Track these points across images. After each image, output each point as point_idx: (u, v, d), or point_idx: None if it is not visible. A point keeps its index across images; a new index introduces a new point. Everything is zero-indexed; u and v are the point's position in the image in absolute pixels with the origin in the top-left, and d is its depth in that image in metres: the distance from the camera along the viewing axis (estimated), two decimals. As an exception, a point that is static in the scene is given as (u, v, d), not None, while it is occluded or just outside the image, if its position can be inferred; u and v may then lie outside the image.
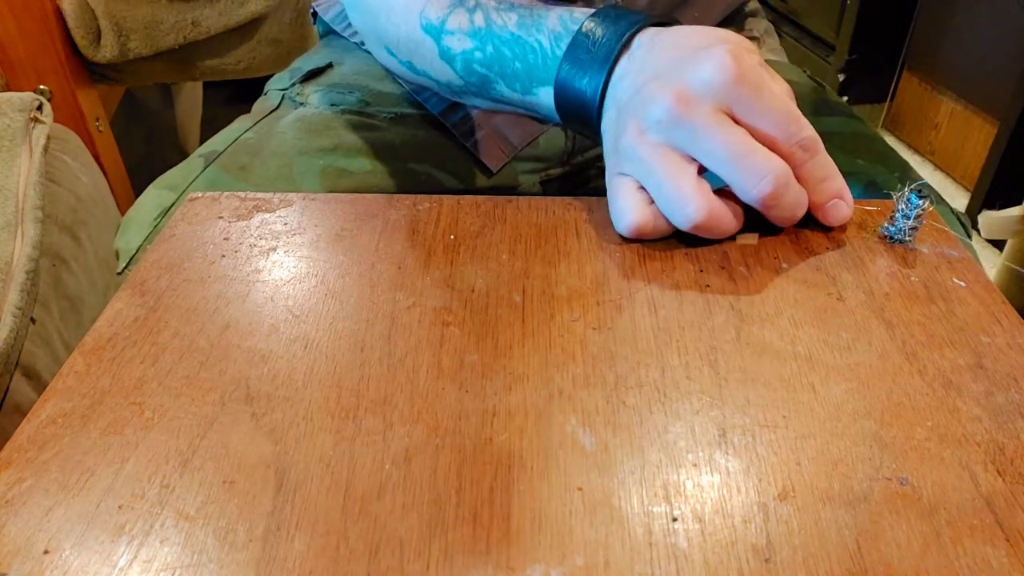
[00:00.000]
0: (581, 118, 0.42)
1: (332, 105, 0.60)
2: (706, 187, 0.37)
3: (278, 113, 0.61)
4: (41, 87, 0.93)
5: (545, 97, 0.43)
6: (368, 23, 0.53)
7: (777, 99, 0.36)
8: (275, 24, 1.08)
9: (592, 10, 0.43)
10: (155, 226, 0.51)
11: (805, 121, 0.36)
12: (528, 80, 0.44)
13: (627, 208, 0.38)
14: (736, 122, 0.36)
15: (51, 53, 0.93)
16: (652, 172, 0.37)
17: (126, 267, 0.51)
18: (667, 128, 0.36)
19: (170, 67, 1.05)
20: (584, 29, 0.41)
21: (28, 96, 0.73)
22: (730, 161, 0.35)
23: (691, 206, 0.36)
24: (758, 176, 0.35)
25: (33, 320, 0.62)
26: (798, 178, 0.37)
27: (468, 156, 0.59)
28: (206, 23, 1.00)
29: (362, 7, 0.53)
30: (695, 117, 0.35)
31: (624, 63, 0.40)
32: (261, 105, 0.64)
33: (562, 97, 0.42)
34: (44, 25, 0.91)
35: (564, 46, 0.42)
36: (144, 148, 1.23)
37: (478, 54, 0.46)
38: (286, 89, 0.64)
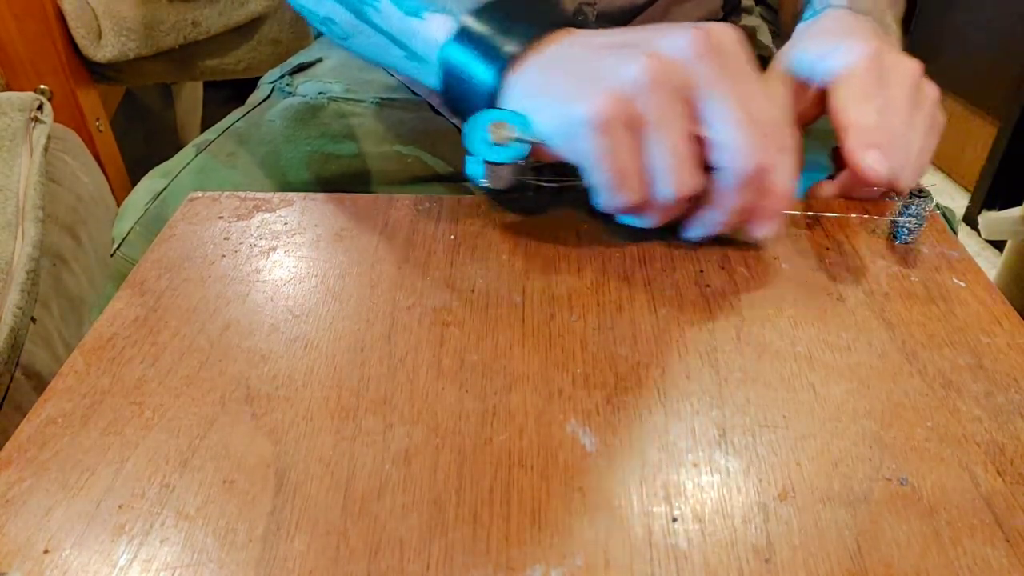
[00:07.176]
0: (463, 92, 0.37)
1: (319, 94, 0.60)
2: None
3: (268, 103, 0.62)
4: (41, 87, 0.93)
5: (435, 26, 0.37)
6: None
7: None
8: (275, 24, 1.08)
9: None
10: (146, 210, 0.52)
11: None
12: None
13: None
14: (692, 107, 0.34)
15: (51, 53, 0.93)
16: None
17: (117, 249, 0.52)
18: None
19: (170, 67, 1.05)
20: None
21: (28, 96, 0.73)
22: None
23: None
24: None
25: (33, 320, 0.62)
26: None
27: (454, 139, 0.59)
28: (206, 23, 1.00)
29: None
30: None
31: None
32: (253, 97, 0.65)
33: (454, 61, 0.37)
34: (44, 25, 0.91)
35: None
36: (144, 148, 1.23)
37: None
38: (275, 81, 0.64)
